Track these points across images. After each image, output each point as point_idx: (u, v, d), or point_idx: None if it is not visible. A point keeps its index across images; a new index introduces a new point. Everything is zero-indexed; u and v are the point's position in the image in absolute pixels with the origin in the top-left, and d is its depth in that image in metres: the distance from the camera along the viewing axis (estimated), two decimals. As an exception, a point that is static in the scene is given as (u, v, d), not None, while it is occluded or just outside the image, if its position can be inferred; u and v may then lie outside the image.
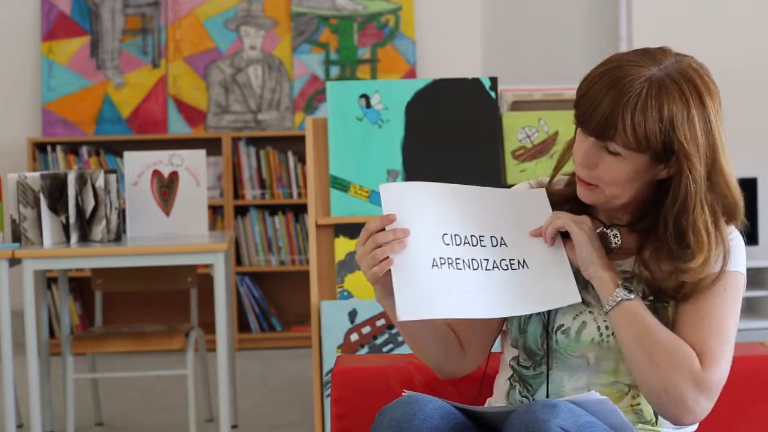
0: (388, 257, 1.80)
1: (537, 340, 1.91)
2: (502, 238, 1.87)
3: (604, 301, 1.83)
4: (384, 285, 1.83)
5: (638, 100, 1.75)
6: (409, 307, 1.79)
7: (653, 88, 1.76)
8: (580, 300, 1.85)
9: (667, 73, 1.78)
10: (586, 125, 1.80)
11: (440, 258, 1.82)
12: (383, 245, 1.80)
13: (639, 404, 1.89)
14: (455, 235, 1.85)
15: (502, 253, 1.86)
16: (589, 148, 1.82)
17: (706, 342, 1.80)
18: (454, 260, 1.83)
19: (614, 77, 1.78)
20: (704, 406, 1.80)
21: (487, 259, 1.85)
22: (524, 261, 1.86)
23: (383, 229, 1.81)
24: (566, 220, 1.86)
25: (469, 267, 1.83)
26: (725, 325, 1.82)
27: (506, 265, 1.86)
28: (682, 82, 1.78)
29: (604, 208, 1.91)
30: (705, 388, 1.78)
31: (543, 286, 1.85)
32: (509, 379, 1.97)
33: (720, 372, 1.80)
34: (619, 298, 1.81)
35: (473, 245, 1.85)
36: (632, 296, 1.81)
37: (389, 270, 1.80)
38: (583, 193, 1.88)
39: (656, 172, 1.82)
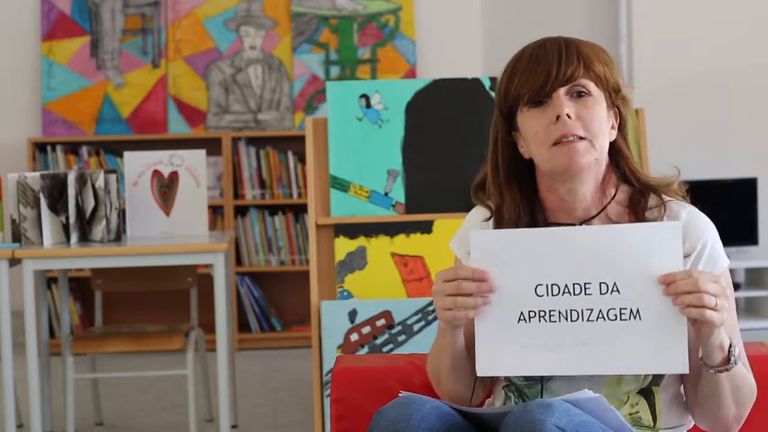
0: (468, 310, 1.78)
1: None
2: (614, 285, 1.75)
3: (712, 365, 1.79)
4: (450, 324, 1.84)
5: (590, 45, 1.90)
6: (489, 363, 1.81)
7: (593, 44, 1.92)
8: (687, 371, 1.76)
9: None
10: (556, 77, 1.84)
11: (530, 311, 1.78)
12: (466, 295, 1.78)
13: (638, 412, 1.88)
14: (552, 285, 1.77)
15: (611, 301, 1.75)
16: (564, 101, 1.85)
17: (746, 363, 1.88)
18: (547, 312, 1.77)
19: (557, 39, 1.89)
20: None
21: (591, 309, 1.76)
22: (637, 311, 1.75)
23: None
24: (702, 311, 1.71)
25: (566, 319, 1.77)
26: (738, 331, 1.88)
27: (614, 315, 1.75)
28: None
29: (586, 181, 1.89)
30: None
31: (651, 344, 1.74)
32: (504, 388, 1.96)
33: None
34: (732, 367, 1.80)
35: (575, 294, 1.76)
36: (739, 362, 1.82)
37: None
38: (574, 157, 1.84)
39: (610, 119, 1.90)
